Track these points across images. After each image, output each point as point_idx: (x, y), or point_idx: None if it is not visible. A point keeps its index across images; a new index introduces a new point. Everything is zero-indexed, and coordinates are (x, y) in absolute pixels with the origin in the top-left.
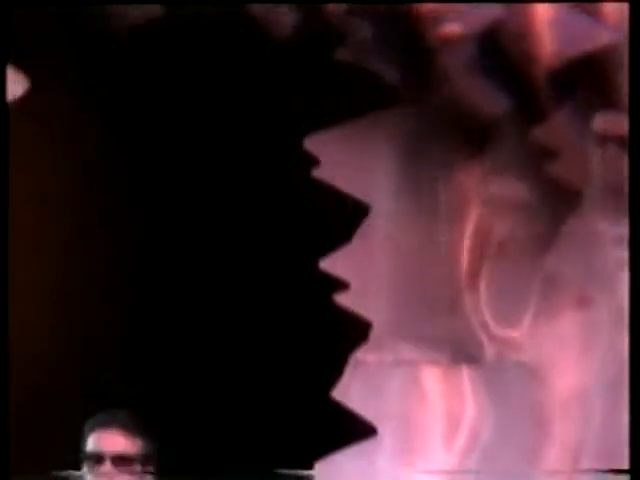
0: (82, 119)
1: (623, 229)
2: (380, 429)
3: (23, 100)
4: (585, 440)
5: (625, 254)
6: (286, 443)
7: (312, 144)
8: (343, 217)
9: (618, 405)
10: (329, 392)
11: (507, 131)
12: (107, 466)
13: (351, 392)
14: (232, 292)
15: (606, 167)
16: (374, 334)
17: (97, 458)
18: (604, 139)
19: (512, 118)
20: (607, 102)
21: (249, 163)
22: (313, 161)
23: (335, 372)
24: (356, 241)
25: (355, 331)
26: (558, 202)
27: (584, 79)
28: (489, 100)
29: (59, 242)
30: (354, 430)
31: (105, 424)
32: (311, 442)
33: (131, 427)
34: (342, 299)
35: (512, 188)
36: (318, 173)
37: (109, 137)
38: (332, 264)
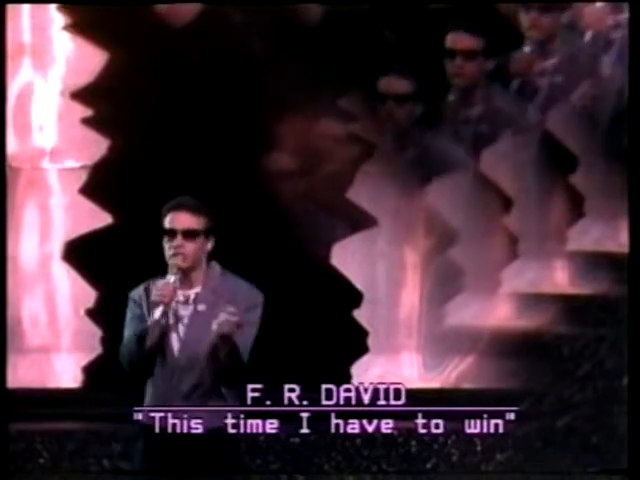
0: None
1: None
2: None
3: None
4: None
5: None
6: None
7: None
8: None
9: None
10: None
11: None
12: (179, 239)
13: None
14: None
15: None
16: None
17: (171, 233)
18: None
19: None
20: None
21: None
22: None
23: None
24: None
25: None
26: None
27: None
28: None
29: None
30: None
31: (175, 206)
32: None
33: (195, 207)
34: None
35: None
36: None
37: None
38: None
